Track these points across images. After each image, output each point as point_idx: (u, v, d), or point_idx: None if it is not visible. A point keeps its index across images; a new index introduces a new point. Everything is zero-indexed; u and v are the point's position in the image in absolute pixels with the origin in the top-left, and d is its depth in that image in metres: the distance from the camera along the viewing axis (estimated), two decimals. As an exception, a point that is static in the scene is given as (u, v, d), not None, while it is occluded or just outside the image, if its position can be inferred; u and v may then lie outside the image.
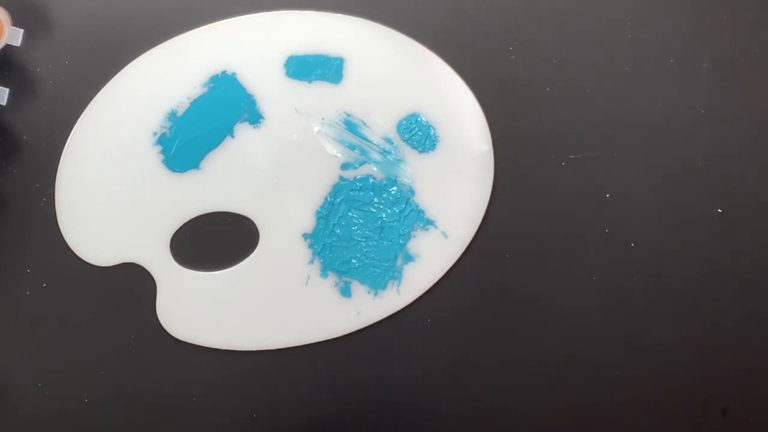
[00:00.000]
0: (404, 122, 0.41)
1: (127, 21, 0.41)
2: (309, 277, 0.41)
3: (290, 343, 0.41)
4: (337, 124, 0.41)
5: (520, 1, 0.42)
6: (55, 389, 0.41)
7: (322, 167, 0.41)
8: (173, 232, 0.41)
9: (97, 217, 0.40)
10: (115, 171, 0.40)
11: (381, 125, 0.41)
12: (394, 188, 0.41)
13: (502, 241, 0.41)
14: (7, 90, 0.39)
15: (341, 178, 0.41)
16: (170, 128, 0.40)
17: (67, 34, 0.41)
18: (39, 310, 0.40)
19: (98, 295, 0.40)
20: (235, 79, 0.40)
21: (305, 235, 0.41)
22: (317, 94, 0.41)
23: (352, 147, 0.41)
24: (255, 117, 0.40)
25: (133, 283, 0.41)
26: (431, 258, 0.41)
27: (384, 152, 0.41)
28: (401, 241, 0.41)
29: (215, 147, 0.40)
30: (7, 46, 0.39)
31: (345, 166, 0.41)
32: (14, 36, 0.39)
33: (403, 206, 0.41)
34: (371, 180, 0.41)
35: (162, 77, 0.40)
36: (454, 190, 0.41)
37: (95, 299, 0.40)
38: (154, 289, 0.41)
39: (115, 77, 0.40)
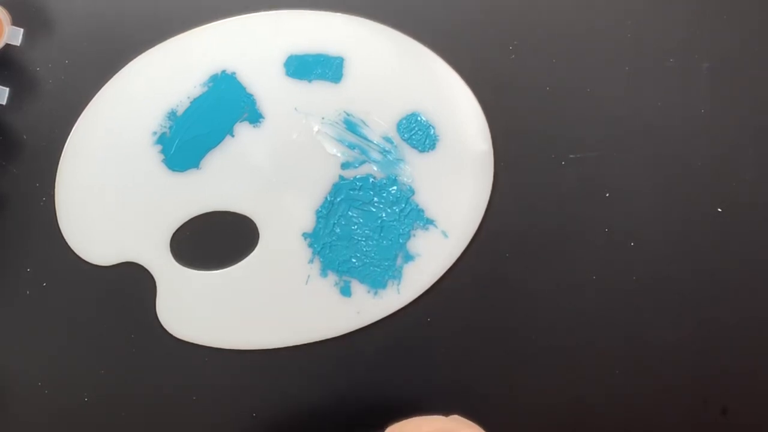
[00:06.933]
0: (404, 121, 0.41)
1: (127, 21, 0.41)
2: (309, 276, 0.41)
3: (290, 342, 0.41)
4: (337, 123, 0.41)
5: (520, 1, 0.42)
6: (55, 389, 0.41)
7: (322, 166, 0.41)
8: (173, 231, 0.41)
9: (97, 217, 0.40)
10: (115, 170, 0.40)
11: (381, 124, 0.41)
12: (394, 187, 0.41)
13: (502, 241, 0.41)
14: (7, 90, 0.39)
15: (341, 178, 0.41)
16: (170, 127, 0.40)
17: (67, 34, 0.41)
18: (39, 310, 0.40)
19: (98, 295, 0.40)
20: (235, 78, 0.40)
21: (305, 235, 0.41)
22: (317, 93, 0.41)
23: (352, 146, 0.41)
24: (255, 116, 0.40)
25: (133, 283, 0.41)
26: (431, 257, 0.41)
27: (384, 151, 0.41)
28: (401, 241, 0.41)
29: (215, 146, 0.40)
30: (7, 46, 0.39)
31: (345, 166, 0.41)
32: (14, 35, 0.39)
33: (403, 205, 0.41)
34: (371, 179, 0.41)
35: (162, 76, 0.40)
36: (454, 190, 0.41)
37: (95, 299, 0.40)
38: (154, 289, 0.41)
39: (115, 77, 0.40)
